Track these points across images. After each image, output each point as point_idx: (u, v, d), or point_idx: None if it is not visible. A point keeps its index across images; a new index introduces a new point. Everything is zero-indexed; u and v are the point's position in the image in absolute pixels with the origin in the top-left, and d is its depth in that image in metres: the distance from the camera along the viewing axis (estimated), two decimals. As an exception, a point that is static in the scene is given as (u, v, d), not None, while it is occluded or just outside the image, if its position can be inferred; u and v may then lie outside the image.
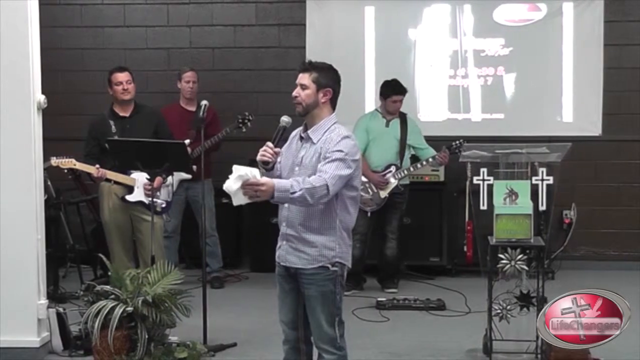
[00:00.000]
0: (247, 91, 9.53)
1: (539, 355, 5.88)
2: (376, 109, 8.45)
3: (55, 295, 7.51)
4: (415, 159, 8.33)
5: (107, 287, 5.98)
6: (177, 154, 6.62)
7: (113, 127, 7.06)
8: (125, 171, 6.98)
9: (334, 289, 4.60)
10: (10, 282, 6.06)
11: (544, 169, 5.94)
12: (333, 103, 4.70)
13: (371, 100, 9.33)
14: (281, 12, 9.64)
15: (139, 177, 7.01)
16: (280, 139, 4.70)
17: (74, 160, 6.94)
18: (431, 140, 8.43)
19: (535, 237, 5.93)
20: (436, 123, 9.40)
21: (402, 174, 8.15)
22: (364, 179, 8.12)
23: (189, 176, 7.62)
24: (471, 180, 6.12)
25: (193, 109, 8.14)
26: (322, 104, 4.64)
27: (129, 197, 7.07)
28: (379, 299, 7.72)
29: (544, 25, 9.38)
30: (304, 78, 4.65)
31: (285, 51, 9.63)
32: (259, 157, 4.63)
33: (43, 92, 6.20)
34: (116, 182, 7.04)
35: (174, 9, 9.74)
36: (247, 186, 4.29)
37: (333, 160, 4.45)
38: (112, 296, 5.87)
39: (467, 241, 8.53)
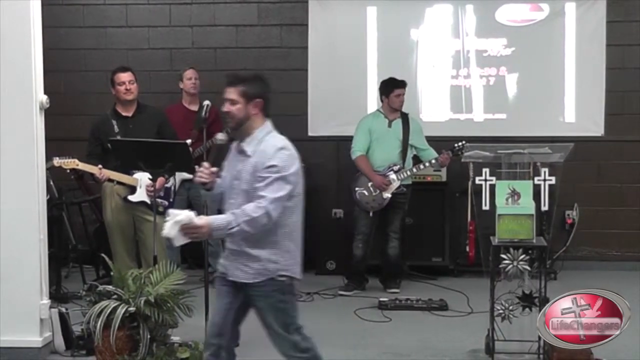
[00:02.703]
0: (249, 91, 9.50)
1: (542, 356, 5.87)
2: (378, 110, 8.46)
3: (57, 295, 7.51)
4: (416, 160, 8.33)
5: (110, 287, 5.98)
6: (179, 154, 6.62)
7: (116, 127, 7.06)
8: (128, 171, 6.98)
9: (283, 298, 4.57)
10: (13, 282, 6.06)
11: (546, 169, 5.94)
12: (265, 111, 4.62)
13: (373, 101, 9.32)
14: (283, 12, 9.64)
15: (142, 177, 7.01)
16: (217, 157, 4.67)
17: (76, 161, 6.94)
18: (433, 141, 8.43)
19: (537, 238, 5.92)
20: (438, 123, 9.40)
21: (405, 175, 8.15)
22: (367, 178, 8.15)
23: (190, 176, 7.60)
24: (473, 181, 6.11)
25: (196, 108, 8.14)
26: (253, 116, 4.55)
27: (131, 197, 7.07)
28: (381, 299, 7.72)
29: (547, 25, 9.38)
30: (232, 92, 4.54)
31: (287, 51, 9.63)
32: (196, 179, 4.63)
33: (45, 93, 6.20)
34: (119, 182, 7.05)
35: (176, 9, 9.74)
36: (185, 229, 4.31)
37: (271, 182, 4.37)
38: (115, 296, 5.87)
39: (470, 241, 8.51)
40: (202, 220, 4.34)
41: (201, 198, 7.32)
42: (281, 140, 4.57)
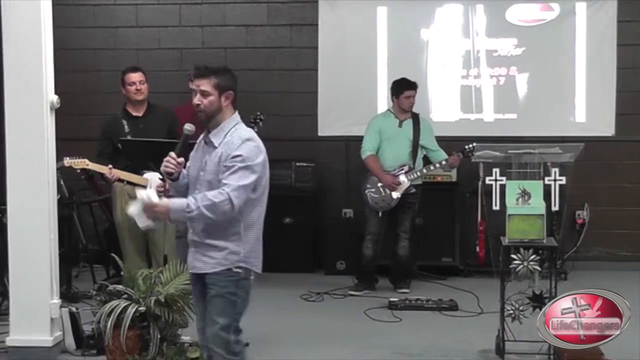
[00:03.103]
0: (259, 91, 9.50)
1: (552, 356, 5.86)
2: (389, 109, 8.46)
3: (68, 295, 7.53)
4: (427, 161, 8.32)
5: (120, 287, 5.99)
6: (189, 153, 6.62)
7: (126, 127, 7.06)
8: (138, 171, 6.98)
9: (235, 292, 4.51)
10: (24, 282, 6.07)
11: (557, 169, 5.93)
12: (234, 103, 4.60)
13: (383, 101, 9.32)
14: (293, 12, 9.64)
15: (152, 177, 6.99)
16: (184, 148, 4.62)
17: (86, 161, 6.95)
18: (443, 141, 8.42)
19: (547, 238, 5.91)
20: (448, 123, 9.38)
21: (415, 175, 8.14)
22: (377, 178, 8.14)
23: None
24: (484, 181, 6.11)
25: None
26: (225, 108, 4.53)
27: (141, 197, 7.07)
28: (391, 299, 7.71)
29: (557, 25, 9.35)
30: (204, 84, 4.49)
31: (297, 51, 9.64)
32: (162, 169, 4.59)
33: (56, 92, 6.21)
34: (129, 182, 7.05)
35: (186, 10, 9.75)
36: (145, 208, 4.31)
37: (235, 171, 4.37)
38: (125, 296, 5.88)
39: (480, 241, 8.52)
40: (162, 200, 4.35)
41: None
42: (248, 132, 4.56)
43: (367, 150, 8.21)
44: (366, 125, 8.37)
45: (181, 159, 4.57)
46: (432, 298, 7.72)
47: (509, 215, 5.82)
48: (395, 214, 8.24)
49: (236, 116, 4.59)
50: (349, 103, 9.48)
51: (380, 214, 8.19)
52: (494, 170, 5.99)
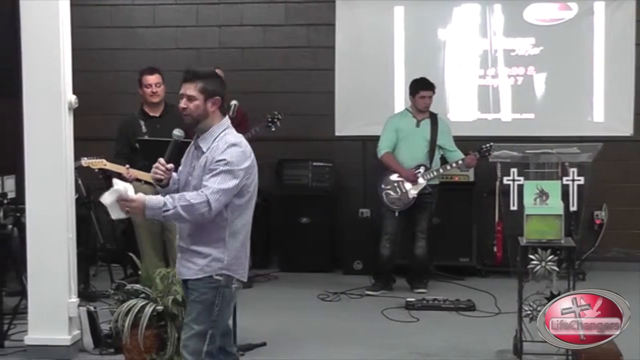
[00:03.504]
0: (276, 91, 9.53)
1: (569, 357, 5.83)
2: (407, 109, 8.44)
3: (86, 294, 7.55)
4: (444, 161, 8.31)
5: (137, 286, 6.01)
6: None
7: (143, 127, 7.09)
8: (156, 171, 6.98)
9: (213, 300, 4.39)
10: (42, 281, 6.10)
11: (575, 169, 5.90)
12: (222, 109, 4.51)
13: (400, 100, 9.31)
14: (311, 12, 9.65)
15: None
16: (173, 153, 4.55)
17: (104, 161, 6.98)
18: (461, 141, 8.41)
19: (565, 238, 5.88)
20: (466, 123, 9.37)
21: (432, 175, 8.13)
22: (394, 177, 8.14)
23: None
24: (501, 181, 6.09)
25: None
26: (212, 113, 4.45)
27: (159, 197, 7.08)
28: (409, 299, 7.70)
29: (575, 24, 9.32)
30: (190, 89, 4.42)
31: (314, 51, 9.64)
32: (151, 175, 4.51)
33: (74, 93, 6.23)
34: (146, 182, 7.06)
35: (203, 10, 9.77)
36: (120, 201, 4.25)
37: (217, 174, 4.29)
38: (142, 295, 5.90)
39: (497, 242, 8.50)
40: (138, 196, 4.27)
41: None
42: (235, 137, 4.46)
43: (383, 148, 8.20)
44: (383, 124, 8.36)
45: (170, 165, 4.50)
46: (449, 298, 7.70)
47: (527, 215, 5.80)
48: (413, 213, 8.23)
49: (225, 121, 4.51)
50: (366, 103, 9.47)
51: (396, 213, 8.18)
52: (512, 170, 5.97)
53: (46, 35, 6.06)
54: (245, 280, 4.57)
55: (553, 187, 5.82)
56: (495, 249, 8.57)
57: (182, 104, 4.45)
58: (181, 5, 9.82)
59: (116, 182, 4.32)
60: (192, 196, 4.25)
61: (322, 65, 9.59)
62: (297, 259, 9.20)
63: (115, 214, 4.31)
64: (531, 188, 5.83)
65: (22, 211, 6.58)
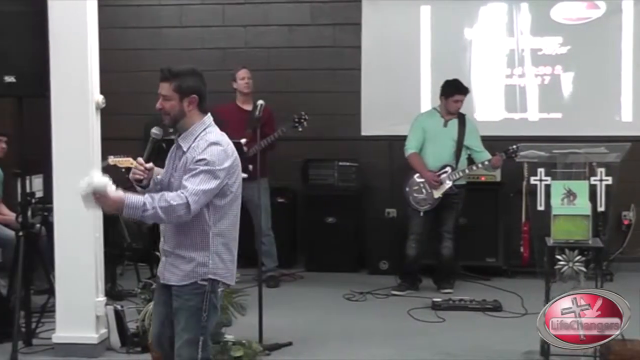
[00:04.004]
0: (302, 91, 9.53)
1: (597, 359, 5.80)
2: (434, 108, 8.40)
3: (112, 293, 7.59)
4: (471, 161, 8.28)
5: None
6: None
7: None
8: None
9: (200, 305, 4.29)
10: (69, 280, 6.14)
11: (603, 169, 5.86)
12: (202, 107, 4.39)
13: (427, 100, 9.29)
14: (336, 12, 9.64)
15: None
16: (153, 153, 4.48)
17: (131, 160, 7.00)
18: (487, 140, 8.37)
19: (593, 239, 5.85)
20: (493, 123, 9.32)
21: (458, 176, 8.10)
22: (419, 178, 8.12)
23: (244, 175, 7.65)
24: (528, 181, 6.06)
25: (249, 107, 8.17)
26: (189, 112, 4.35)
27: (185, 197, 7.09)
28: (435, 300, 7.68)
29: (603, 23, 9.25)
30: (165, 88, 4.33)
31: (340, 51, 9.63)
32: (131, 176, 4.41)
33: (101, 92, 6.27)
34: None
35: (230, 9, 9.79)
36: (97, 196, 4.12)
37: (197, 174, 4.20)
38: (169, 294, 5.91)
39: (524, 242, 8.46)
40: (117, 193, 4.14)
41: (254, 198, 7.35)
42: (216, 135, 4.37)
43: (409, 148, 8.18)
44: (409, 124, 8.34)
45: (150, 165, 4.42)
46: (475, 298, 7.68)
47: (554, 215, 5.77)
48: (439, 213, 8.21)
49: (207, 119, 4.41)
50: (392, 102, 9.46)
51: (421, 213, 8.16)
52: (539, 170, 5.94)
53: (74, 36, 6.10)
54: (232, 283, 4.51)
55: (581, 187, 5.79)
56: (522, 249, 8.54)
57: (158, 104, 4.38)
58: (207, 6, 9.84)
59: (95, 175, 4.16)
60: (171, 197, 4.16)
61: (348, 65, 9.58)
62: (323, 259, 9.20)
63: (88, 205, 4.21)
64: (558, 188, 5.80)
65: (50, 210, 6.64)
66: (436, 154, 8.16)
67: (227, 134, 4.52)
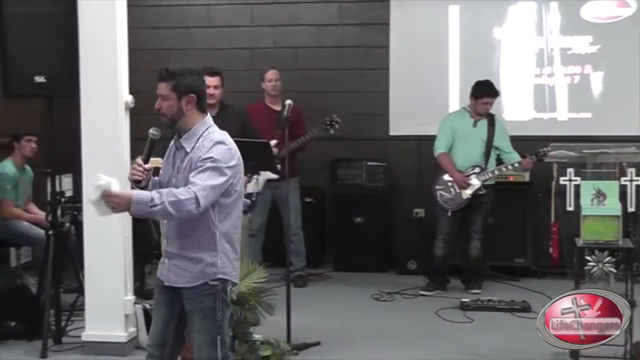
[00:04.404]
0: (330, 91, 9.54)
1: (627, 361, 5.77)
2: (464, 108, 8.36)
3: (141, 292, 7.61)
4: (499, 161, 8.24)
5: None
6: (261, 153, 6.66)
7: (199, 126, 7.11)
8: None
9: (213, 306, 4.29)
10: (99, 279, 6.18)
11: (633, 170, 5.83)
12: (201, 106, 4.35)
13: (455, 100, 9.26)
14: (364, 12, 9.63)
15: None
16: (151, 153, 4.43)
17: (159, 160, 7.01)
18: (516, 140, 8.32)
19: (623, 239, 5.81)
20: (521, 123, 9.27)
21: (487, 176, 8.07)
22: (448, 177, 8.10)
23: (275, 176, 7.67)
24: (557, 181, 6.05)
25: (278, 107, 8.19)
26: (188, 112, 4.31)
27: (213, 196, 7.11)
28: (463, 300, 7.67)
29: (634, 22, 9.16)
30: (162, 88, 4.29)
31: (368, 50, 9.62)
32: (129, 177, 4.38)
33: (130, 92, 6.31)
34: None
35: (258, 9, 9.81)
36: (105, 197, 4.08)
37: (204, 170, 4.17)
38: (197, 293, 5.93)
39: (553, 242, 8.42)
40: (124, 190, 4.15)
41: (285, 197, 7.39)
42: (220, 134, 4.35)
43: (439, 148, 8.16)
44: (438, 124, 8.32)
45: (148, 165, 4.38)
46: (504, 299, 7.65)
47: (584, 216, 5.74)
48: (467, 213, 8.19)
49: (208, 119, 4.39)
50: (420, 102, 9.43)
51: (449, 213, 8.14)
52: (568, 170, 5.92)
53: (103, 36, 6.14)
54: (237, 281, 4.51)
55: (611, 188, 5.76)
56: (550, 250, 8.49)
57: (157, 105, 4.34)
58: (235, 6, 9.87)
59: (100, 177, 4.13)
60: (180, 192, 4.13)
61: (376, 64, 9.56)
62: (351, 259, 9.20)
63: (102, 211, 4.15)
64: (588, 188, 5.77)
65: (79, 210, 6.68)
66: (465, 154, 8.13)
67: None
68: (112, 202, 4.10)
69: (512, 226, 8.88)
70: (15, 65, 6.35)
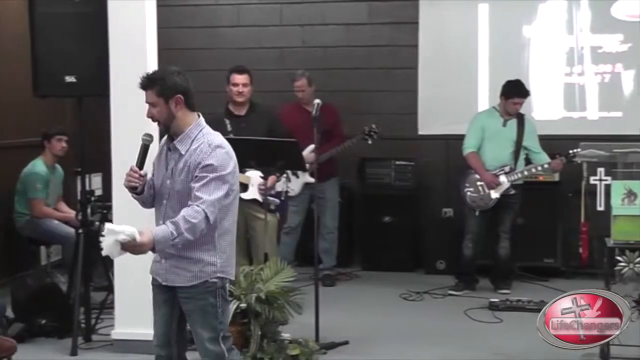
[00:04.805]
0: (359, 90, 9.54)
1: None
2: (494, 107, 8.31)
3: (170, 291, 7.65)
4: (528, 161, 8.19)
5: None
6: (290, 152, 6.67)
7: (229, 126, 7.13)
8: (241, 169, 7.03)
9: (214, 302, 4.31)
10: (128, 277, 6.20)
11: (665, 169, 5.78)
12: (190, 105, 4.34)
13: (484, 99, 9.23)
14: (394, 11, 9.61)
15: (253, 176, 7.09)
16: (145, 159, 4.40)
17: None
18: (546, 140, 8.28)
19: (655, 240, 5.77)
20: (551, 122, 9.22)
21: (516, 177, 8.02)
22: (475, 177, 8.07)
23: (312, 180, 7.71)
24: (587, 180, 6.00)
25: (310, 109, 8.23)
26: (178, 113, 4.29)
27: (243, 195, 7.11)
28: (492, 300, 7.63)
29: (666, 20, 9.10)
30: (149, 96, 4.29)
31: (397, 50, 9.60)
32: (124, 183, 4.36)
33: (160, 92, 6.32)
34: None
35: (287, 9, 9.82)
36: (129, 247, 4.04)
37: (208, 182, 4.15)
38: (226, 292, 5.95)
39: (583, 243, 8.34)
40: (144, 237, 4.06)
41: (323, 195, 7.39)
42: (216, 137, 4.33)
43: (468, 147, 8.13)
44: (466, 123, 8.29)
45: (144, 171, 4.37)
46: (533, 299, 7.60)
47: (614, 216, 5.71)
48: (496, 213, 8.15)
49: (201, 121, 4.37)
50: (449, 101, 9.41)
51: (477, 212, 8.11)
52: (599, 169, 5.89)
53: (133, 36, 6.17)
54: (233, 278, 4.53)
55: (642, 188, 5.71)
56: (580, 250, 8.41)
57: (147, 113, 4.33)
58: (264, 5, 9.89)
59: (111, 230, 4.05)
60: (191, 215, 4.11)
61: (405, 63, 9.54)
62: (379, 258, 9.19)
63: (117, 255, 4.11)
64: (619, 188, 5.73)
65: (109, 208, 6.71)
66: (495, 154, 8.09)
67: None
68: (135, 249, 4.08)
69: (541, 226, 8.83)
70: (46, 65, 6.41)
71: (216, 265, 4.31)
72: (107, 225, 4.14)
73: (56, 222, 7.93)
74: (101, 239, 4.07)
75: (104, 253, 4.10)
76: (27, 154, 8.10)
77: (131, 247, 4.06)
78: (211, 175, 4.18)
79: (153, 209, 4.52)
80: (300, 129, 7.57)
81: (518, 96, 8.06)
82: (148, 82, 4.31)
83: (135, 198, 4.46)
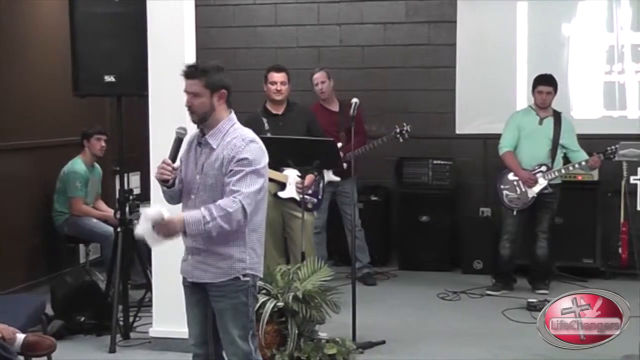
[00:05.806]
0: (396, 89, 9.52)
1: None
2: (530, 106, 8.27)
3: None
4: (566, 160, 8.13)
5: (259, 282, 6.08)
6: (327, 151, 6.67)
7: (266, 124, 7.15)
8: (278, 168, 7.06)
9: (245, 301, 4.31)
10: (166, 275, 6.22)
11: None
12: (229, 101, 4.39)
13: (523, 98, 9.16)
14: (431, 9, 9.58)
15: (291, 174, 7.10)
16: (178, 152, 4.41)
17: None
18: (585, 139, 8.21)
19: (696, 240, 5.71)
20: (590, 121, 9.14)
21: (553, 175, 7.96)
22: (512, 177, 8.02)
23: (337, 178, 7.72)
24: (627, 180, 5.95)
25: (333, 108, 8.26)
26: (218, 107, 4.32)
27: (281, 194, 7.16)
28: (530, 300, 7.58)
29: None
30: (195, 85, 4.29)
31: (435, 48, 9.57)
32: (157, 176, 4.35)
33: (198, 92, 6.35)
34: (269, 179, 7.14)
35: (324, 8, 9.82)
36: (158, 226, 4.06)
37: (245, 176, 4.16)
38: (264, 291, 5.95)
39: (622, 243, 8.28)
40: (174, 216, 4.13)
41: (346, 194, 7.36)
42: (248, 132, 4.35)
43: (504, 146, 8.08)
44: (504, 123, 8.25)
45: (176, 164, 4.37)
46: (572, 300, 7.55)
47: (655, 216, 5.65)
48: (534, 213, 8.10)
49: (233, 116, 4.39)
50: (487, 101, 9.36)
51: (514, 212, 8.06)
52: (639, 169, 5.82)
53: (171, 36, 6.20)
54: (262, 276, 4.51)
55: (682, 187, 5.66)
56: (620, 250, 8.35)
57: (187, 102, 4.33)
58: (302, 4, 9.90)
59: (145, 211, 4.11)
60: (227, 204, 4.12)
61: (443, 62, 9.52)
62: (416, 258, 9.17)
63: (153, 242, 4.15)
64: (659, 188, 5.68)
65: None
66: (531, 153, 8.04)
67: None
68: (166, 229, 4.10)
69: (580, 226, 8.76)
70: (85, 65, 6.47)
71: (245, 261, 4.30)
72: (141, 209, 4.22)
73: (95, 220, 7.99)
74: (135, 223, 4.08)
75: (136, 236, 4.15)
76: (66, 153, 8.16)
77: (161, 227, 4.08)
78: (247, 169, 4.19)
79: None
80: (325, 129, 7.58)
81: (541, 84, 8.01)
82: (197, 72, 4.32)
83: (164, 192, 4.45)
